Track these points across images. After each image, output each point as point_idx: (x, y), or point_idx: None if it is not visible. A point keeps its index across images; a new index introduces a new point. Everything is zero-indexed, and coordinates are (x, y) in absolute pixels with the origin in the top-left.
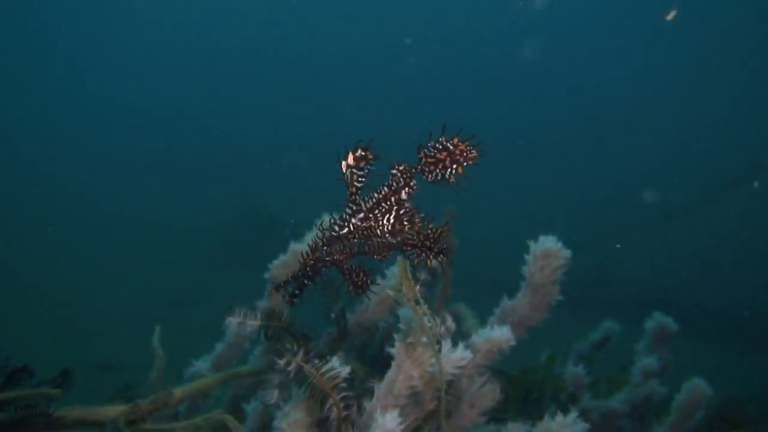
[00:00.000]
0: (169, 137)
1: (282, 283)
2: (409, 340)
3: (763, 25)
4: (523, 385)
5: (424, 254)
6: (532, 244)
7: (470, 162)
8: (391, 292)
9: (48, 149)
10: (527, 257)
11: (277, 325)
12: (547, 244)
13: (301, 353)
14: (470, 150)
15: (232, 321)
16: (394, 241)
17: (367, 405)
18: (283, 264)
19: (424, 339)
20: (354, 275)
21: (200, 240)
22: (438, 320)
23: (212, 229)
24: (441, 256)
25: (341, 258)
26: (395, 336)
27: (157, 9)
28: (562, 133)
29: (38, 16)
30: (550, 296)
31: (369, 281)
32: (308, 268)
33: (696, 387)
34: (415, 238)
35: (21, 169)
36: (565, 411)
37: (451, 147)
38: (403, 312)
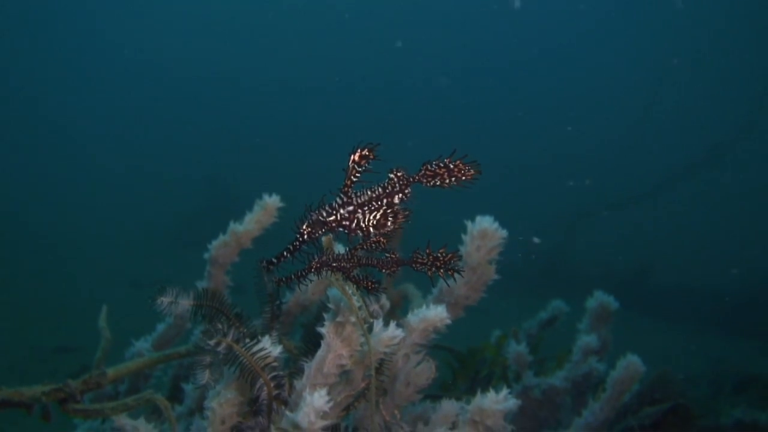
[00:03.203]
0: (131, 119)
1: (285, 279)
2: (338, 319)
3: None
4: (472, 364)
5: (434, 268)
6: (469, 224)
7: (467, 178)
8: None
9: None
10: (464, 237)
11: (209, 305)
12: (484, 224)
13: (231, 333)
14: (468, 169)
15: (164, 301)
16: (405, 259)
17: (298, 384)
18: (224, 244)
19: (353, 318)
20: (362, 282)
21: (164, 222)
22: (370, 299)
23: (176, 210)
24: (451, 271)
25: (348, 266)
26: (325, 315)
27: None
28: (526, 115)
29: None
30: (486, 276)
31: (377, 287)
32: (312, 270)
33: (630, 363)
34: (424, 257)
35: None
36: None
37: (451, 166)
38: (331, 292)
